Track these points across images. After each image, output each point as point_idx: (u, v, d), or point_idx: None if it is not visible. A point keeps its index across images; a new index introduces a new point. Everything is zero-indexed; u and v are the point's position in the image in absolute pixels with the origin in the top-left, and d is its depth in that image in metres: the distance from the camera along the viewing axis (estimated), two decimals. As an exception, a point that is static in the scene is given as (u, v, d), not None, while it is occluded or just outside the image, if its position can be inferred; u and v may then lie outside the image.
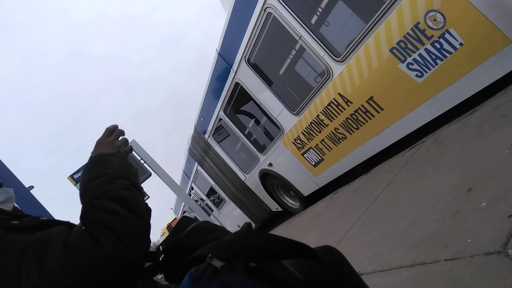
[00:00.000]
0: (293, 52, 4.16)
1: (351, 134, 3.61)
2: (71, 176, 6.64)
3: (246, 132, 5.49)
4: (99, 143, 1.01)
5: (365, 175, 3.77)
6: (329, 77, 3.39)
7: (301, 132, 4.17)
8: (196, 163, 7.45)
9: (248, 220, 6.72)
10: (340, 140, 3.79)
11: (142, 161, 6.68)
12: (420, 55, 2.60)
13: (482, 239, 1.43)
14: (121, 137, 1.05)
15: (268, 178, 5.50)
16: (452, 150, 2.43)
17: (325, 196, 4.63)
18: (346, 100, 3.38)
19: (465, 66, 2.46)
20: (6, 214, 0.86)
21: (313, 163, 4.37)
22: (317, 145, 4.11)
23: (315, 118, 3.85)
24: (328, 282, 0.92)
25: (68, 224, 0.89)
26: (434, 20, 2.39)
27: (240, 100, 4.97)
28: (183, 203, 10.38)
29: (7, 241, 0.71)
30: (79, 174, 6.60)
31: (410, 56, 2.66)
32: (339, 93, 3.40)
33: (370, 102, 3.18)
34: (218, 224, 8.13)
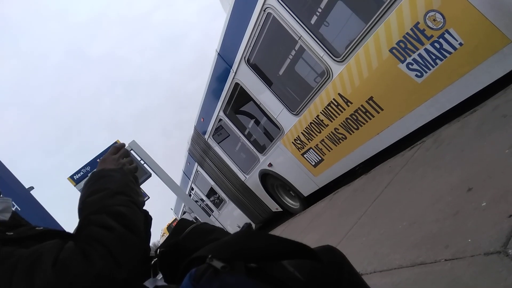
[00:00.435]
0: (293, 53, 4.16)
1: (351, 134, 3.61)
2: (71, 177, 6.65)
3: (246, 133, 5.49)
4: (103, 160, 1.01)
5: (365, 175, 3.77)
6: (329, 77, 3.39)
7: (301, 133, 4.17)
8: (196, 164, 7.46)
9: (248, 220, 6.72)
10: (340, 140, 3.79)
11: (142, 162, 6.68)
12: (419, 55, 2.60)
13: (482, 239, 1.43)
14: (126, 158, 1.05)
15: (268, 178, 5.50)
16: (452, 150, 2.43)
17: (325, 196, 4.63)
18: (346, 100, 3.38)
19: (464, 66, 2.46)
20: (1, 225, 0.85)
21: (313, 164, 4.37)
22: (317, 145, 4.11)
23: (315, 118, 3.85)
24: (328, 282, 0.91)
25: (63, 235, 0.87)
26: (434, 20, 2.39)
27: (240, 100, 4.97)
28: (183, 204, 10.37)
29: (0, 255, 0.71)
30: (79, 175, 6.61)
31: (409, 56, 2.66)
32: (339, 93, 3.40)
33: (370, 102, 3.18)
34: (218, 225, 8.15)
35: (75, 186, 6.53)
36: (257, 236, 0.82)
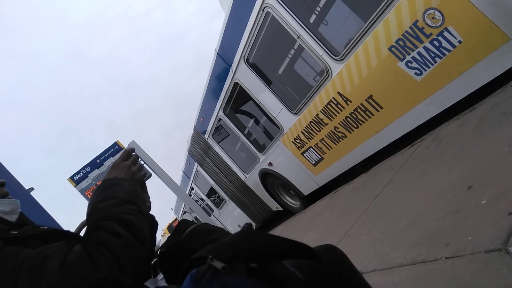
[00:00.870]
0: (292, 52, 4.16)
1: (350, 133, 3.61)
2: (71, 178, 6.64)
3: (245, 132, 5.49)
4: (114, 166, 1.02)
5: (365, 174, 3.77)
6: (328, 76, 3.38)
7: (301, 132, 4.17)
8: (196, 163, 7.45)
9: (248, 219, 6.72)
10: (340, 139, 3.79)
11: (142, 162, 6.66)
12: (419, 53, 2.60)
13: (482, 237, 1.43)
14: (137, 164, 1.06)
15: (268, 177, 5.50)
16: (451, 148, 2.43)
17: (325, 195, 4.63)
18: (345, 99, 3.38)
19: (464, 64, 2.46)
20: (6, 224, 0.86)
21: (313, 162, 4.37)
22: (317, 144, 4.11)
23: (314, 117, 3.84)
24: (329, 281, 0.92)
25: (68, 235, 0.88)
26: (433, 18, 2.39)
27: (239, 100, 4.97)
28: (183, 204, 10.38)
29: (5, 254, 0.71)
30: (79, 176, 6.60)
31: (409, 54, 2.66)
32: (338, 92, 3.40)
33: (370, 100, 3.18)
34: (218, 224, 8.14)
35: (75, 187, 6.52)
36: (258, 236, 0.82)
